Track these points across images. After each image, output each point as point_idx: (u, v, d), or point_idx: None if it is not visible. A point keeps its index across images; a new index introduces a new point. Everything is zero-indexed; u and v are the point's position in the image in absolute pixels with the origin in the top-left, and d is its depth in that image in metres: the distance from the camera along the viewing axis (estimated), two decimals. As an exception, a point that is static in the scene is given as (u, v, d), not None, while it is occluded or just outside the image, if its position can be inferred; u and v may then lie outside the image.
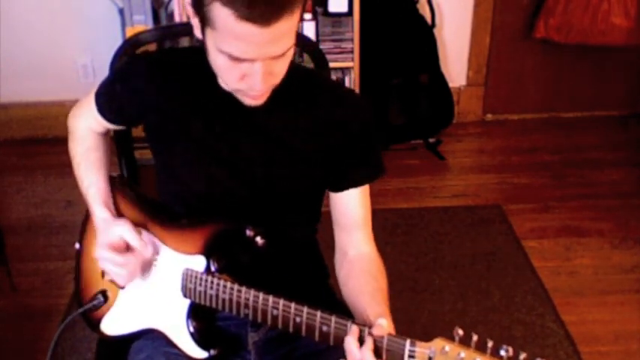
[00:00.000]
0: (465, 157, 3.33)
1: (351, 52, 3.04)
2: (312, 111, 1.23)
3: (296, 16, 1.03)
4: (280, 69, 1.11)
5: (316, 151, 1.24)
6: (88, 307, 1.32)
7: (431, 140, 3.36)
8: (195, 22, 1.09)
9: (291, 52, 1.09)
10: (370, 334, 1.04)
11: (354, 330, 1.05)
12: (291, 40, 1.06)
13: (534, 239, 2.71)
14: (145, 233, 1.27)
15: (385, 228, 2.74)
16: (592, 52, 3.41)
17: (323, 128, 1.23)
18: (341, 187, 1.28)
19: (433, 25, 3.26)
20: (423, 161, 3.28)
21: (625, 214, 2.85)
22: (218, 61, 1.08)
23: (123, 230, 1.22)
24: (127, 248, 1.23)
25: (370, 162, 1.29)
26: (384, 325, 1.04)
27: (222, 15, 1.00)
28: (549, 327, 2.27)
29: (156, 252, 1.26)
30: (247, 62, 1.05)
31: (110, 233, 1.24)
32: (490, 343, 0.95)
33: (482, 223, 2.80)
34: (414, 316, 2.29)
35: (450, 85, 3.33)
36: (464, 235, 2.73)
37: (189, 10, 1.09)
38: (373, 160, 1.29)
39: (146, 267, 1.25)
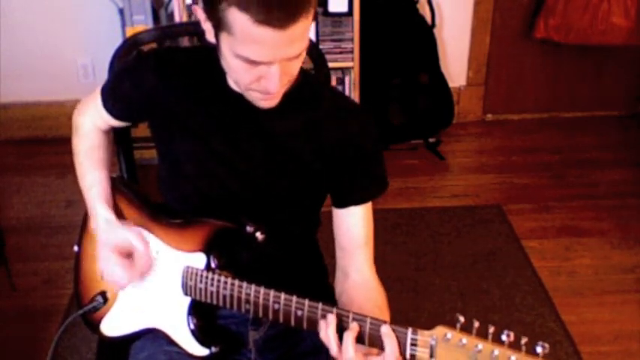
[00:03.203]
0: (465, 157, 3.33)
1: (351, 52, 3.03)
2: (317, 122, 1.23)
3: (311, 17, 1.04)
4: (294, 69, 1.11)
5: (317, 160, 1.23)
6: (87, 308, 1.32)
7: (431, 140, 3.36)
8: (208, 27, 1.09)
9: (304, 52, 1.10)
10: (354, 319, 1.05)
11: (330, 319, 1.05)
12: (306, 41, 1.07)
13: (534, 239, 2.71)
14: (145, 232, 1.27)
15: (385, 228, 2.73)
16: (592, 52, 3.41)
17: (325, 140, 1.23)
18: (344, 203, 1.27)
19: (433, 25, 3.26)
20: (423, 161, 3.28)
21: (625, 214, 2.85)
22: (233, 65, 1.08)
23: (132, 236, 1.23)
24: (129, 255, 1.24)
25: (374, 178, 1.28)
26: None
27: (239, 20, 1.00)
28: (549, 327, 2.27)
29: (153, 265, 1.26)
30: (264, 65, 1.05)
31: (117, 235, 1.24)
32: (492, 329, 0.95)
33: (482, 223, 2.80)
34: (414, 316, 2.29)
35: (450, 85, 3.33)
36: (464, 235, 2.73)
37: (201, 15, 1.09)
38: (377, 176, 1.28)
39: (144, 274, 1.26)
